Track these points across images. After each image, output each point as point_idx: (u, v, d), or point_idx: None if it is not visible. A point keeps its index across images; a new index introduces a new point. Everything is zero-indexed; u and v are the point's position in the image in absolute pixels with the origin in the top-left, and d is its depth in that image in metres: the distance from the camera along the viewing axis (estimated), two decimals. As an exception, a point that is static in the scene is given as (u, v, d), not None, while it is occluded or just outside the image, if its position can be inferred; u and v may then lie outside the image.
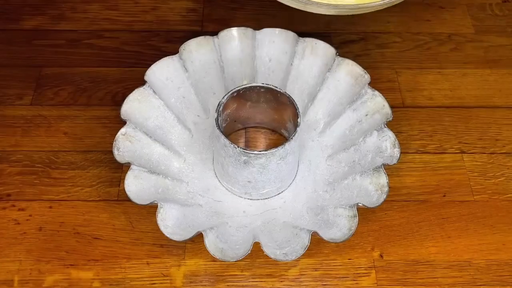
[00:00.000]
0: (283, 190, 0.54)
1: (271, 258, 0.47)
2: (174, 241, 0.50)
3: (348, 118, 0.57)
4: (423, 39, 0.68)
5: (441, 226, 0.53)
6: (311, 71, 0.59)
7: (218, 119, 0.50)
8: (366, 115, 0.56)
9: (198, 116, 0.59)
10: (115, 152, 0.51)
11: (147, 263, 0.51)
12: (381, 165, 0.51)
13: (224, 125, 0.55)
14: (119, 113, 0.54)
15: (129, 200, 0.49)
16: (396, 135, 0.53)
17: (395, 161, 0.51)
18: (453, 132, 0.60)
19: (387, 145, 0.53)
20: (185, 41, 0.58)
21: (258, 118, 0.58)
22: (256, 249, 0.49)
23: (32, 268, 0.50)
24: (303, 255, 0.47)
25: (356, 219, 0.48)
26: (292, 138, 0.49)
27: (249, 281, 0.50)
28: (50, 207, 0.54)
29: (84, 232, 0.52)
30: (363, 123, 0.56)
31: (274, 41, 0.60)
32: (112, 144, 0.52)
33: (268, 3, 0.70)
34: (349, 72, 0.58)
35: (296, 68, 0.59)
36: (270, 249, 0.47)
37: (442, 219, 0.54)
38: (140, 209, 0.53)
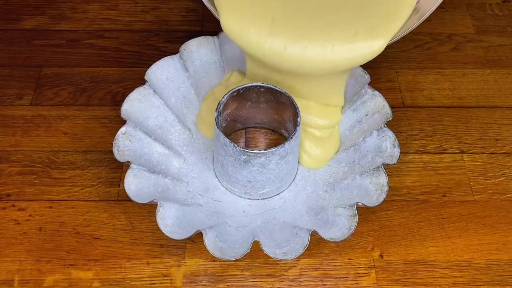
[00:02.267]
0: (283, 190, 0.54)
1: (270, 258, 0.47)
2: (174, 241, 0.50)
3: (348, 118, 0.57)
4: (423, 39, 0.68)
5: (441, 226, 0.53)
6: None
7: (218, 119, 0.50)
8: (366, 115, 0.56)
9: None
10: (115, 151, 0.51)
11: (147, 263, 0.50)
12: (381, 165, 0.51)
13: (224, 125, 0.55)
14: (119, 113, 0.54)
15: (129, 200, 0.49)
16: (396, 135, 0.53)
17: (395, 161, 0.51)
18: (453, 132, 0.60)
19: (387, 145, 0.53)
20: (185, 41, 0.58)
21: (258, 118, 0.58)
22: (256, 249, 0.49)
23: (32, 268, 0.50)
24: (303, 254, 0.47)
25: (356, 219, 0.48)
26: (292, 137, 0.49)
27: (249, 281, 0.50)
28: (50, 207, 0.54)
29: (84, 232, 0.52)
30: (363, 123, 0.56)
31: (274, 41, 0.60)
32: (112, 143, 0.52)
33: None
34: (349, 72, 0.58)
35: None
36: (270, 248, 0.47)
37: (442, 219, 0.54)
38: (140, 209, 0.53)
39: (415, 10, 0.52)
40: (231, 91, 0.51)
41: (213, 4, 0.53)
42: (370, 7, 0.51)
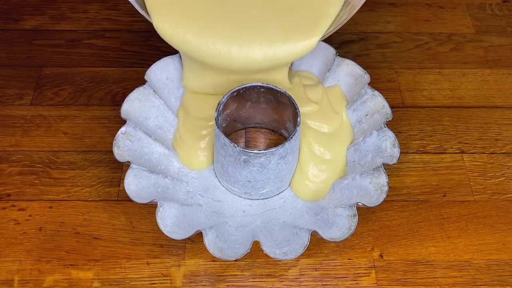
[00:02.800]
0: (283, 190, 0.54)
1: (270, 258, 0.47)
2: (174, 241, 0.50)
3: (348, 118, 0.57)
4: (423, 39, 0.68)
5: (441, 226, 0.53)
6: (311, 72, 0.59)
7: (218, 119, 0.50)
8: (366, 115, 0.56)
9: (198, 116, 0.59)
10: (115, 151, 0.51)
11: (147, 263, 0.51)
12: (381, 165, 0.51)
13: (224, 125, 0.55)
14: (119, 113, 0.54)
15: (129, 200, 0.49)
16: (396, 135, 0.53)
17: (395, 160, 0.51)
18: (453, 132, 0.60)
19: (387, 145, 0.53)
20: (185, 41, 0.58)
21: (258, 118, 0.58)
22: (256, 249, 0.49)
23: (32, 268, 0.50)
24: (303, 254, 0.47)
25: (356, 218, 0.48)
26: (292, 137, 0.49)
27: (249, 281, 0.50)
28: (50, 207, 0.54)
29: (84, 232, 0.52)
30: (363, 123, 0.56)
31: (274, 41, 0.60)
32: (112, 143, 0.52)
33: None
34: (349, 72, 0.58)
35: (296, 69, 0.59)
36: (270, 248, 0.47)
37: (442, 219, 0.54)
38: (140, 209, 0.53)
39: (346, 3, 0.53)
40: (231, 91, 0.51)
41: (145, 8, 0.53)
42: (299, 10, 0.52)
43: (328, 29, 0.52)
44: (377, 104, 0.56)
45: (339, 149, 0.55)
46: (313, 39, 0.51)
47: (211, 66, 0.52)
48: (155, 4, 0.52)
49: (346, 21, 0.52)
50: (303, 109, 0.54)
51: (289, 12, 0.52)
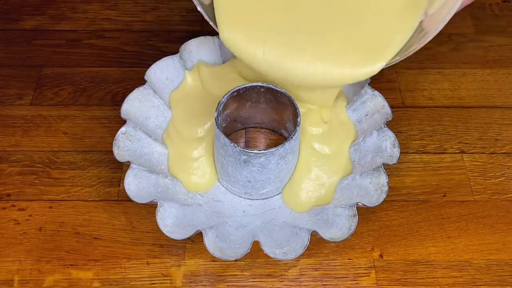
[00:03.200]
0: (283, 190, 0.54)
1: (270, 258, 0.47)
2: (174, 241, 0.50)
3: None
4: (423, 39, 0.68)
5: (441, 226, 0.53)
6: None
7: (218, 119, 0.50)
8: (366, 115, 0.56)
9: (198, 116, 0.59)
10: (115, 151, 0.51)
11: (147, 263, 0.51)
12: (381, 165, 0.51)
13: (224, 125, 0.55)
14: (119, 113, 0.54)
15: (129, 200, 0.49)
16: (396, 135, 0.53)
17: (395, 160, 0.51)
18: (453, 132, 0.60)
19: (387, 145, 0.53)
20: (185, 41, 0.58)
21: (258, 118, 0.58)
22: (256, 249, 0.49)
23: (32, 268, 0.50)
24: (303, 254, 0.47)
25: (356, 218, 0.48)
26: (292, 137, 0.49)
27: (249, 281, 0.50)
28: (50, 207, 0.54)
29: (84, 232, 0.52)
30: (363, 123, 0.56)
31: (274, 41, 0.60)
32: (112, 143, 0.52)
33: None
34: (349, 72, 0.58)
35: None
36: (270, 248, 0.47)
37: (442, 219, 0.54)
38: (140, 209, 0.53)
39: (418, 30, 0.50)
40: (231, 91, 0.51)
41: (214, 19, 0.52)
42: (366, 31, 0.51)
43: (394, 57, 0.50)
44: (377, 104, 0.56)
45: (340, 158, 0.54)
46: (377, 66, 0.49)
47: (268, 76, 0.51)
48: (224, 16, 0.51)
49: (415, 50, 0.49)
50: (313, 129, 0.54)
51: (356, 32, 0.50)
